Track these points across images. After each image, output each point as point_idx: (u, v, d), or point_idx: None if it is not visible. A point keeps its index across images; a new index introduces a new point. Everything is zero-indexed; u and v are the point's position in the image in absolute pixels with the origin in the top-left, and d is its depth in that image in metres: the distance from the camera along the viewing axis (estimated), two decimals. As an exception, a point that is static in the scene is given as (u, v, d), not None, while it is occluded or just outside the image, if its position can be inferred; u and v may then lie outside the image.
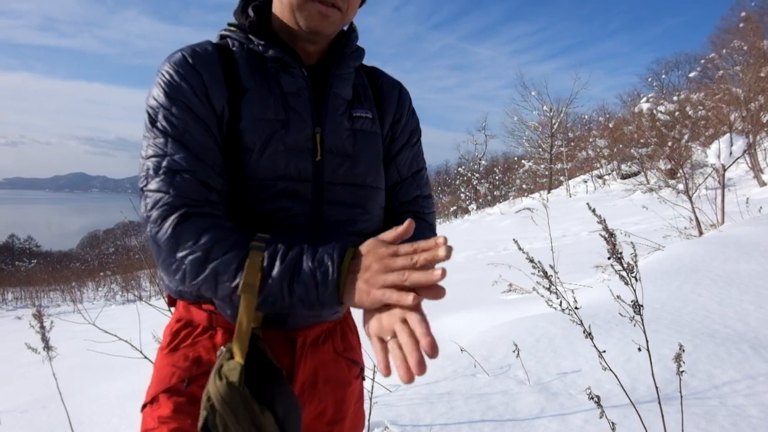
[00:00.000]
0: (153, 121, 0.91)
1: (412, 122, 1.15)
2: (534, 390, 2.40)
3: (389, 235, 0.78)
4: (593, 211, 1.14)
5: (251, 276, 0.80)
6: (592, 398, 1.42)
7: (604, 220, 1.08)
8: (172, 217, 0.85)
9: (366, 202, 1.04)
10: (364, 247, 0.78)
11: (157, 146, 0.89)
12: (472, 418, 2.20)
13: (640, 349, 1.33)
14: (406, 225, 0.76)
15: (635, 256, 1.22)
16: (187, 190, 0.87)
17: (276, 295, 0.80)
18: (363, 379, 1.19)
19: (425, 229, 1.09)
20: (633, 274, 1.14)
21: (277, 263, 0.80)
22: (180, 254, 0.83)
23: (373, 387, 2.11)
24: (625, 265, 1.13)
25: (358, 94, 1.07)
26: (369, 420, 2.04)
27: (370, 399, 2.09)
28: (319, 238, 0.98)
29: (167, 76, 0.93)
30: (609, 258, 1.10)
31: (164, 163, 0.88)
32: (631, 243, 1.23)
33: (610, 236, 1.10)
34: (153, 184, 0.87)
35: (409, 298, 0.71)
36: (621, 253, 1.11)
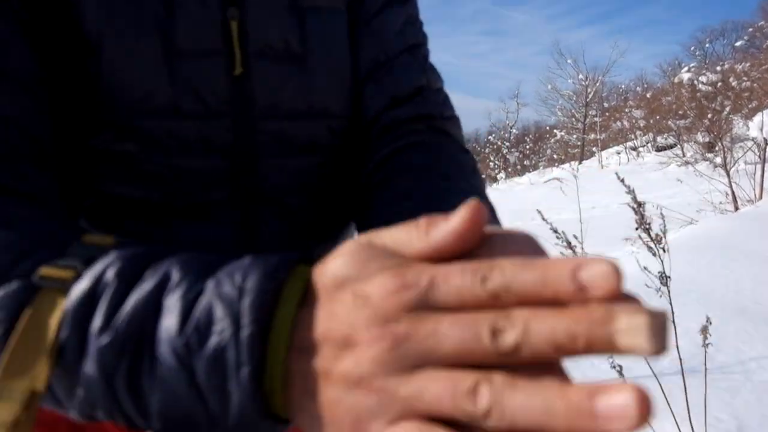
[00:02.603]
0: None
1: None
2: (556, 358, 2.43)
3: (418, 233, 0.24)
4: (622, 180, 1.13)
5: (22, 365, 0.28)
6: (614, 367, 1.44)
7: (633, 190, 1.07)
8: None
9: (332, 144, 0.58)
10: (339, 268, 0.25)
11: None
12: (493, 382, 2.24)
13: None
14: (471, 210, 0.23)
15: (664, 226, 1.21)
16: None
17: (95, 402, 0.28)
18: None
19: (458, 173, 0.54)
20: (661, 245, 1.14)
21: (96, 324, 0.27)
22: None
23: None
24: (653, 236, 1.12)
25: None
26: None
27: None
28: (252, 224, 0.55)
29: None
30: (637, 228, 1.10)
31: None
32: (661, 214, 1.22)
33: (638, 206, 1.09)
34: None
35: None
36: (649, 224, 1.11)
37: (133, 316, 0.27)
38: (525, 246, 0.25)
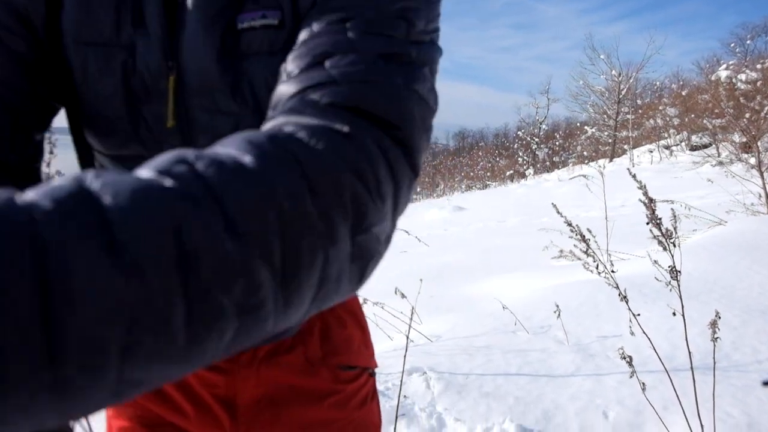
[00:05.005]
0: None
1: None
2: (572, 350, 2.47)
3: None
4: (634, 176, 1.17)
5: None
6: (624, 358, 1.48)
7: (644, 186, 1.11)
8: None
9: None
10: None
11: None
12: (509, 371, 2.29)
13: (674, 314, 1.37)
14: None
15: (675, 222, 1.25)
16: None
17: None
18: (370, 376, 0.79)
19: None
20: (671, 240, 1.18)
21: None
22: None
23: (408, 338, 2.23)
24: (664, 231, 1.16)
25: None
26: (406, 366, 2.17)
27: (406, 348, 2.22)
28: None
29: None
30: (647, 223, 1.14)
31: None
32: (672, 210, 1.25)
33: (650, 202, 1.14)
34: None
35: None
36: (660, 219, 1.15)
37: None
38: None
